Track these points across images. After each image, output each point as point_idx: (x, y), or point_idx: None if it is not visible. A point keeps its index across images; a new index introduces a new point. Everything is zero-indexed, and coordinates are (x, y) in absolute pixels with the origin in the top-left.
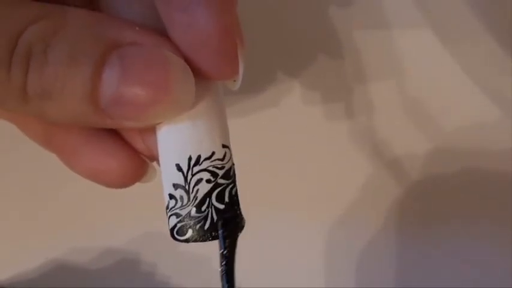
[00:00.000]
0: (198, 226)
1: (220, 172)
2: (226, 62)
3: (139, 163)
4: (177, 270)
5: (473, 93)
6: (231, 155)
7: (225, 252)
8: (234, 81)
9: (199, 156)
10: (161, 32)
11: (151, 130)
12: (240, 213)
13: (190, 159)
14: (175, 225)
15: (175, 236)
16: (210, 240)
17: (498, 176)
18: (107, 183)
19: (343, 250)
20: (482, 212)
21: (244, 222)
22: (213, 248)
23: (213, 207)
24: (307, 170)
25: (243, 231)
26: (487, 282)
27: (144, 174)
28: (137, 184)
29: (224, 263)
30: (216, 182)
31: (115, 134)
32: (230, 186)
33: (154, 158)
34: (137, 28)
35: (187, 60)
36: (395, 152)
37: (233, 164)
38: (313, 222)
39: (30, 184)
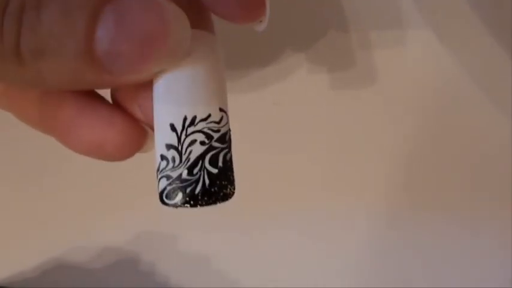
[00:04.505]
0: (188, 190)
1: (216, 135)
2: (250, 1)
3: (138, 131)
4: (176, 269)
5: (473, 93)
6: (228, 120)
7: None
8: (261, 21)
9: (194, 117)
10: None
11: (148, 96)
12: (233, 180)
13: (185, 119)
14: (164, 188)
15: (164, 199)
16: (200, 206)
17: (497, 176)
18: (106, 155)
19: (336, 245)
20: (481, 211)
21: (234, 190)
22: (213, 247)
23: (205, 170)
24: (309, 152)
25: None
26: (485, 283)
27: (143, 143)
28: (136, 183)
29: None
30: (211, 145)
31: (111, 104)
32: (225, 151)
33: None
34: None
35: (209, 7)
36: (393, 151)
37: (229, 130)
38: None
39: (29, 183)
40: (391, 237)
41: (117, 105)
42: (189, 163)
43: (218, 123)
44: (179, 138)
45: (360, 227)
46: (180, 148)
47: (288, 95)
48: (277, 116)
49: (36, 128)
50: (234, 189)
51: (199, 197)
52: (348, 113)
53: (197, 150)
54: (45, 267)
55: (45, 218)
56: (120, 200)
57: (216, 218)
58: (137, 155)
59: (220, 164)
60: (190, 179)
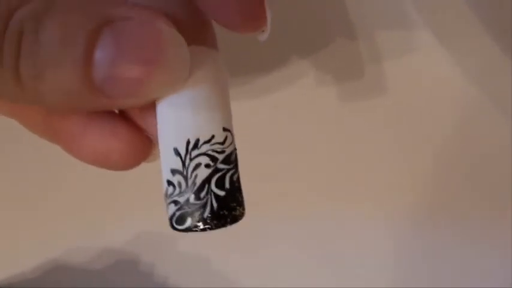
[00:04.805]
0: (197, 214)
1: (220, 156)
2: (251, 12)
3: (144, 141)
4: (176, 270)
5: (473, 93)
6: (232, 139)
7: None
8: (263, 31)
9: (197, 140)
10: (152, 5)
11: (152, 114)
12: (242, 201)
13: (188, 142)
14: (174, 214)
15: (175, 225)
16: (209, 229)
17: (498, 176)
18: (112, 165)
19: (336, 245)
20: (481, 211)
21: (244, 211)
22: (212, 248)
23: (212, 193)
24: (317, 156)
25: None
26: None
27: (149, 153)
28: (136, 183)
29: None
30: (216, 167)
31: (117, 114)
32: (231, 171)
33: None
34: (128, 2)
35: (211, 16)
36: (394, 150)
37: (235, 149)
38: (312, 214)
39: (28, 184)
40: (390, 237)
41: (123, 115)
42: (195, 187)
43: (222, 143)
44: (183, 163)
45: (358, 228)
46: (185, 173)
47: (291, 103)
48: (279, 123)
49: (42, 136)
50: (244, 209)
51: (209, 221)
52: (354, 119)
53: (202, 173)
54: (45, 267)
55: (45, 218)
56: (120, 201)
57: None
58: None
59: (227, 185)
60: (198, 204)
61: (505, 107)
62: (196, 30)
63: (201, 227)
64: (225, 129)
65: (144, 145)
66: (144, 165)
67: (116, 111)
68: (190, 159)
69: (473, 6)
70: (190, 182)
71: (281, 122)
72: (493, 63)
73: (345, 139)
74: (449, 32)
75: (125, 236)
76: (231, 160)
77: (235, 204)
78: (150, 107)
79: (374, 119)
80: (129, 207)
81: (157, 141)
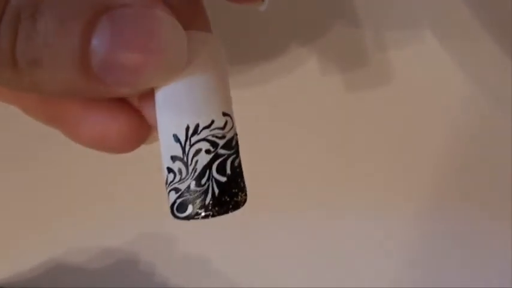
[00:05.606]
0: (198, 201)
1: (221, 142)
2: None
3: (142, 124)
4: (176, 270)
5: (473, 93)
6: (233, 123)
7: None
8: (262, 0)
9: (197, 125)
10: None
11: (151, 102)
12: (244, 186)
13: (188, 128)
14: (174, 202)
15: (176, 213)
16: (211, 216)
17: (498, 176)
18: (111, 148)
19: (335, 244)
20: (481, 211)
21: (246, 197)
22: (212, 248)
23: (213, 180)
24: (318, 142)
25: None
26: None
27: (148, 135)
28: (136, 183)
29: None
30: (216, 153)
31: (116, 98)
32: (232, 157)
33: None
34: None
35: None
36: (394, 151)
37: (236, 134)
38: (316, 206)
39: (29, 183)
40: (391, 238)
41: (121, 98)
42: (196, 174)
43: (222, 128)
44: (183, 149)
45: (359, 227)
46: (185, 159)
47: (291, 92)
48: (278, 115)
49: (40, 120)
50: (246, 195)
51: (210, 208)
52: (355, 111)
53: (203, 159)
54: (45, 267)
55: (44, 218)
56: (120, 201)
57: (215, 218)
58: (138, 156)
59: (228, 171)
60: (199, 190)
61: (505, 107)
62: (191, 16)
63: (203, 214)
64: (224, 114)
65: (142, 128)
66: (144, 166)
67: None
68: (190, 145)
69: (473, 6)
70: (190, 168)
71: (280, 113)
72: (493, 63)
73: (346, 132)
74: (449, 31)
75: (125, 236)
76: (232, 145)
77: (236, 190)
78: (149, 94)
79: (374, 112)
80: (130, 207)
81: (156, 128)
